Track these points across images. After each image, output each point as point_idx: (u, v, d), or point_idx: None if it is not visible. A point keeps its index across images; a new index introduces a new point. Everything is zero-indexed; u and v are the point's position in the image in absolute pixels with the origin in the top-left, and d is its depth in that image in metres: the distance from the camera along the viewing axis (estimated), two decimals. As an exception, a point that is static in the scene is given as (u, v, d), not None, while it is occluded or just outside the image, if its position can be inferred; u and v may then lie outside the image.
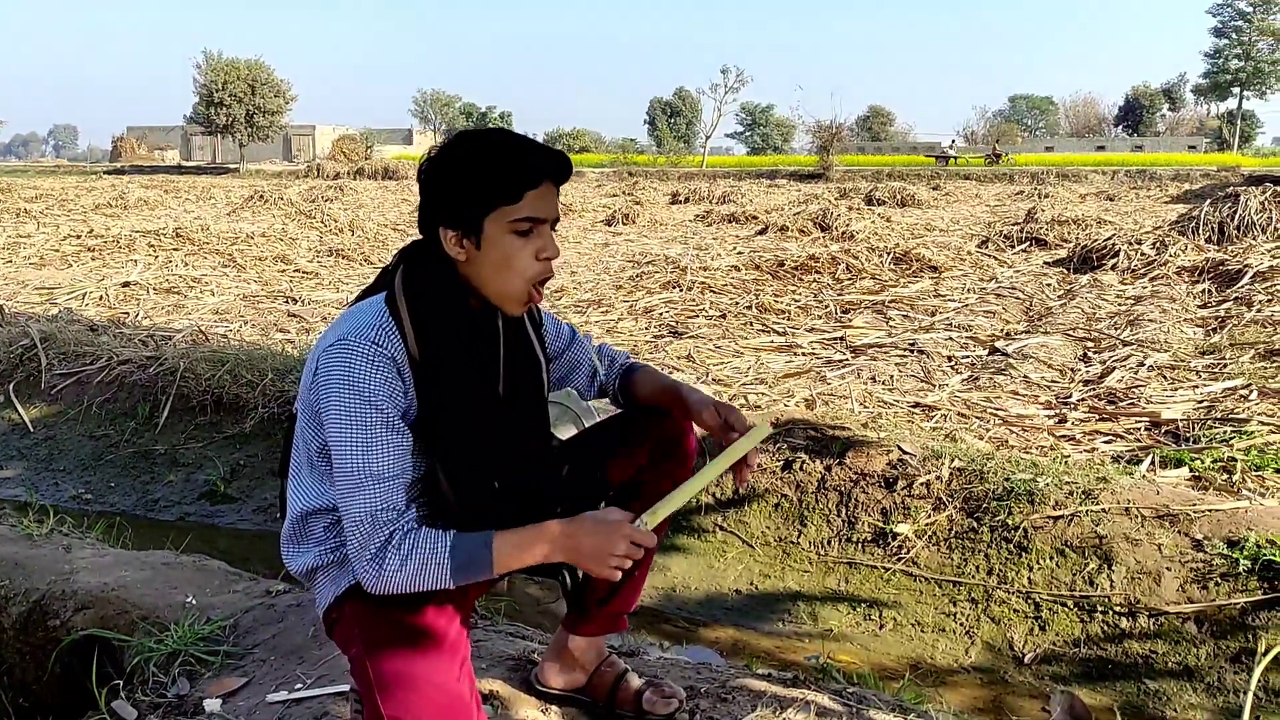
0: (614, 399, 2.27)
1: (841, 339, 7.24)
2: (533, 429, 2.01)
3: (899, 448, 4.12)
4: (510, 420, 1.93)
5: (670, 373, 6.18)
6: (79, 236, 13.26)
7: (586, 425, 2.36)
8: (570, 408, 2.78)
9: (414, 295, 1.84)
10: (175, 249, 12.16)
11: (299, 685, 2.45)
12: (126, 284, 9.75)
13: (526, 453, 1.96)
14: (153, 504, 5.08)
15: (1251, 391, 5.38)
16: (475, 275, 1.86)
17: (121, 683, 2.65)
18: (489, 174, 1.81)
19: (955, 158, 47.14)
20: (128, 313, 8.46)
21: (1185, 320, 7.88)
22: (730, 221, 18.03)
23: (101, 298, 9.19)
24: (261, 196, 19.12)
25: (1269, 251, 10.11)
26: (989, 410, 5.28)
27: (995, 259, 11.97)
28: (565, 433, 2.27)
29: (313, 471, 1.87)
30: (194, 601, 2.94)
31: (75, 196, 22.83)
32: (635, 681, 2.28)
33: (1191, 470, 4.22)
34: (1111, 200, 25.22)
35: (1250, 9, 71.48)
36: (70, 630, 2.94)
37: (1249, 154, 66.05)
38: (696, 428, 2.15)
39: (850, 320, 7.97)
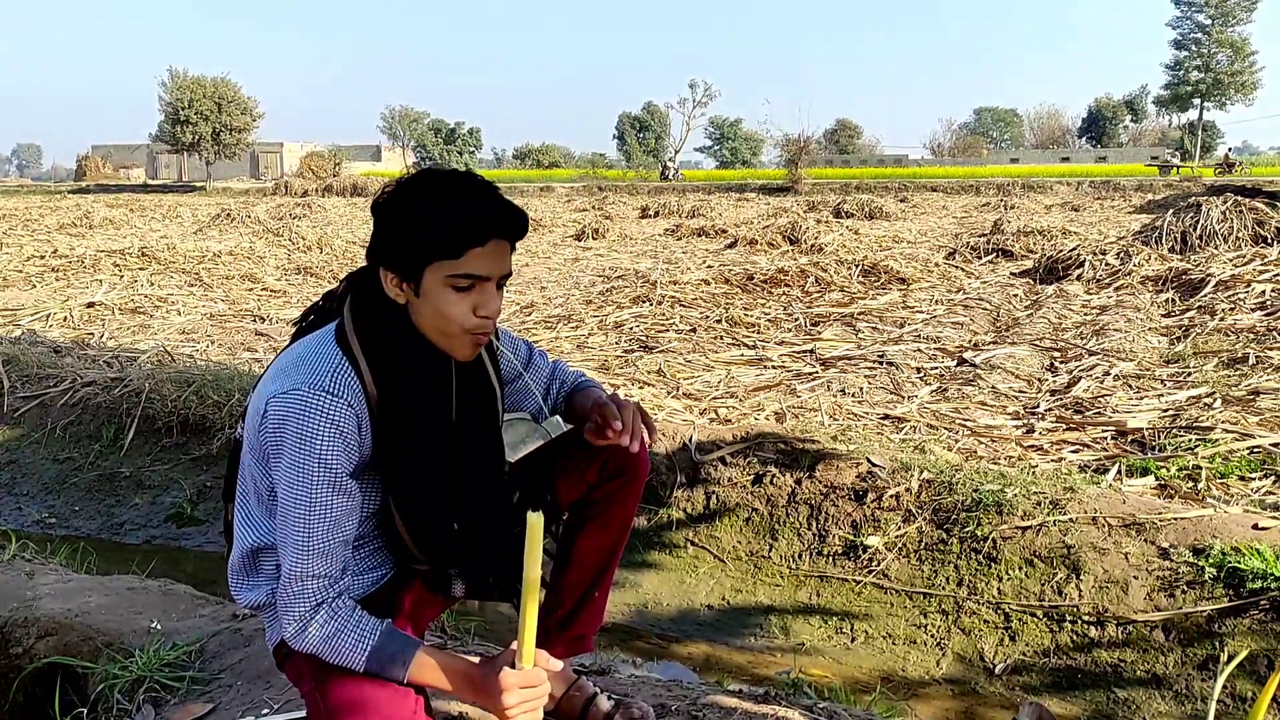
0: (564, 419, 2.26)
1: (811, 352, 7.26)
2: (485, 458, 1.98)
3: (868, 460, 4.13)
4: (463, 452, 1.92)
5: (641, 387, 6.18)
6: (43, 257, 13.12)
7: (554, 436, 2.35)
8: (543, 426, 2.77)
9: (366, 334, 1.81)
10: (141, 268, 12.06)
11: (266, 711, 2.42)
12: (91, 304, 9.64)
13: (479, 483, 1.95)
14: (118, 527, 5.01)
15: (1215, 399, 5.44)
16: (416, 320, 1.82)
17: (85, 711, 2.62)
18: (433, 227, 1.74)
19: (1179, 167, 44.97)
20: (92, 334, 8.37)
21: (1150, 329, 7.97)
22: (700, 235, 18.10)
23: (66, 319, 9.08)
24: (229, 214, 19.02)
25: (1231, 260, 10.24)
26: (958, 421, 5.31)
27: (963, 270, 12.07)
28: (530, 447, 2.25)
29: (260, 505, 1.85)
30: (159, 626, 2.90)
31: (39, 216, 22.62)
32: (605, 705, 2.26)
33: (1157, 479, 4.26)
34: (1076, 211, 25.50)
35: (1209, 21, 72.47)
36: (33, 658, 2.89)
37: (1210, 164, 66.91)
38: (647, 442, 2.09)
39: (819, 333, 8.00)
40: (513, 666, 1.68)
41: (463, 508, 1.90)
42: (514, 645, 1.71)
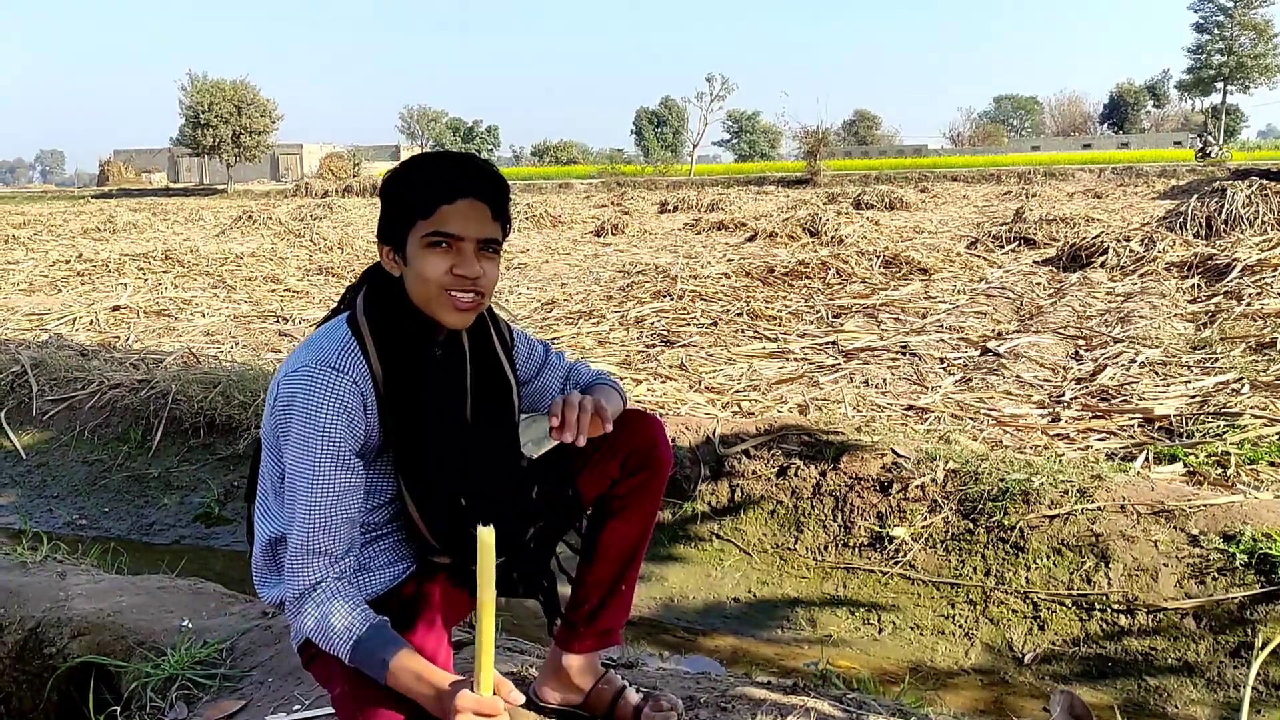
0: None
1: (833, 343, 7.24)
2: (500, 452, 1.99)
3: (893, 451, 4.12)
4: (476, 444, 1.93)
5: (663, 382, 6.17)
6: (68, 261, 13.25)
7: None
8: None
9: (375, 315, 1.85)
10: (165, 271, 12.16)
11: (297, 707, 2.44)
12: (116, 308, 9.73)
13: (494, 477, 1.95)
14: (147, 528, 5.06)
15: (1243, 385, 5.39)
16: (409, 291, 1.86)
17: (119, 709, 2.64)
18: (408, 188, 1.84)
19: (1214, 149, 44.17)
20: (118, 337, 8.44)
21: (1175, 315, 7.90)
22: (719, 229, 18.06)
23: (91, 322, 9.16)
24: (250, 216, 19.14)
25: (1257, 245, 10.13)
26: (982, 411, 5.28)
27: (985, 259, 11.99)
28: (551, 444, 2.25)
29: (277, 498, 1.88)
30: (190, 625, 2.92)
31: (63, 221, 22.86)
32: (634, 697, 2.27)
33: (1186, 465, 4.22)
34: (1099, 198, 25.29)
35: (1231, 4, 71.82)
36: (66, 657, 2.92)
37: (1234, 148, 66.25)
38: (669, 434, 2.10)
39: (841, 325, 7.97)
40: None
41: (477, 502, 1.90)
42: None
